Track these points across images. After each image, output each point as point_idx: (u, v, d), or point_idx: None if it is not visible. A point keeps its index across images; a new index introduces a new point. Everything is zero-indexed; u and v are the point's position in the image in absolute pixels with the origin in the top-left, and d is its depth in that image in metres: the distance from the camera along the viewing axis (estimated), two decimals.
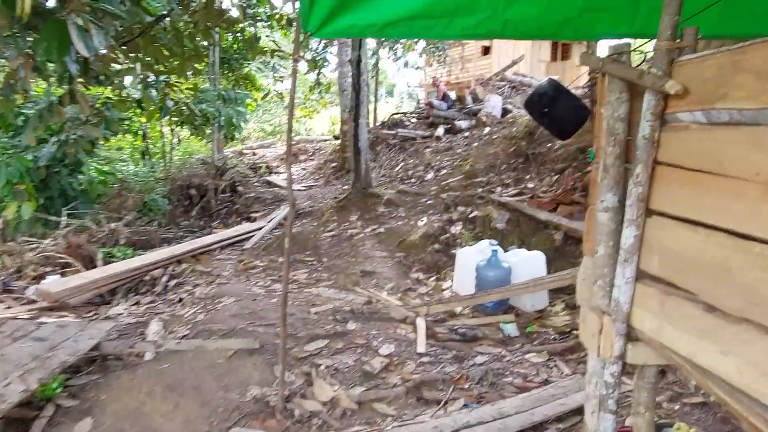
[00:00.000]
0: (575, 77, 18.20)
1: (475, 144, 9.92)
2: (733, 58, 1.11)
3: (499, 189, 5.59)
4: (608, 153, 1.49)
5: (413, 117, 13.15)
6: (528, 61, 19.66)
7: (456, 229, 4.96)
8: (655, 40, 1.40)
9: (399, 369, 2.70)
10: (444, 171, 8.99)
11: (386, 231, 5.56)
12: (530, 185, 5.27)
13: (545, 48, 21.29)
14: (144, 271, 5.19)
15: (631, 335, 1.47)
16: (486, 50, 20.74)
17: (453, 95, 13.03)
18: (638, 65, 1.51)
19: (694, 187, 1.22)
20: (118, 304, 4.66)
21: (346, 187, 10.42)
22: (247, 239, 6.95)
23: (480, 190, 5.70)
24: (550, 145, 5.87)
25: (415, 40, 13.35)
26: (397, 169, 10.43)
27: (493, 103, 11.89)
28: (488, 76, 19.45)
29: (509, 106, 12.33)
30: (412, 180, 9.45)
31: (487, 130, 10.40)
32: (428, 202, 6.28)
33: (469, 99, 12.81)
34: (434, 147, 10.82)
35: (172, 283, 4.97)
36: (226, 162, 12.22)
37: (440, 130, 11.65)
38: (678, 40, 1.35)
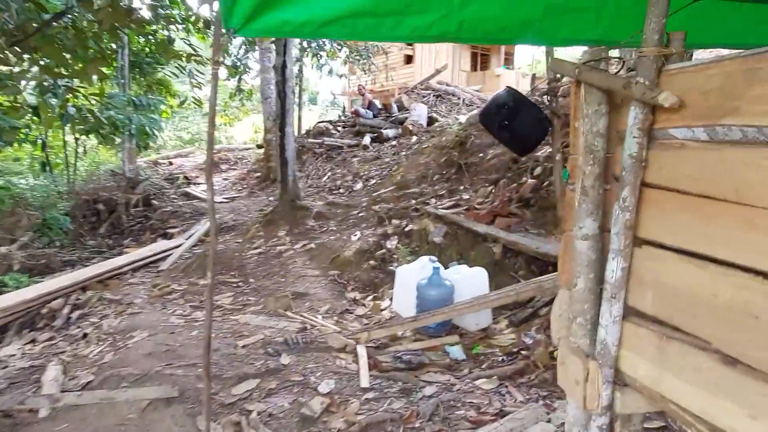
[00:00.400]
0: (495, 87, 18.77)
1: (404, 153, 9.83)
2: (745, 66, 0.95)
3: (433, 200, 5.45)
4: (587, 173, 1.31)
5: (339, 125, 12.90)
6: (449, 70, 20.02)
7: (392, 243, 4.74)
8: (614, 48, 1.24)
9: (342, 410, 2.41)
10: (373, 181, 8.80)
11: (318, 247, 5.25)
12: (465, 196, 5.17)
13: (465, 58, 21.87)
14: (41, 302, 4.53)
15: (617, 379, 1.29)
16: (409, 59, 20.95)
17: (379, 104, 12.93)
18: (615, 73, 1.35)
19: (699, 215, 1.05)
20: (10, 344, 4.01)
21: (272, 199, 9.96)
22: (164, 259, 6.37)
23: (414, 201, 5.54)
24: (482, 155, 5.83)
25: (339, 47, 13.13)
26: (324, 179, 10.13)
27: (419, 112, 11.90)
28: (411, 85, 19.65)
29: (435, 115, 12.41)
30: (341, 190, 9.19)
31: (414, 138, 10.36)
32: (360, 214, 6.04)
33: (394, 107, 12.75)
34: (362, 156, 10.62)
35: (75, 314, 4.37)
36: (138, 173, 11.33)
37: (367, 139, 11.49)
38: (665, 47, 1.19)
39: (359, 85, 12.99)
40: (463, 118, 8.23)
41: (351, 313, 3.94)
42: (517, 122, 1.94)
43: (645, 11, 1.17)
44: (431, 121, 12.08)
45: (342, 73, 13.43)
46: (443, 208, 5.00)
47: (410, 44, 20.28)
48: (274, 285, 4.57)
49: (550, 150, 5.03)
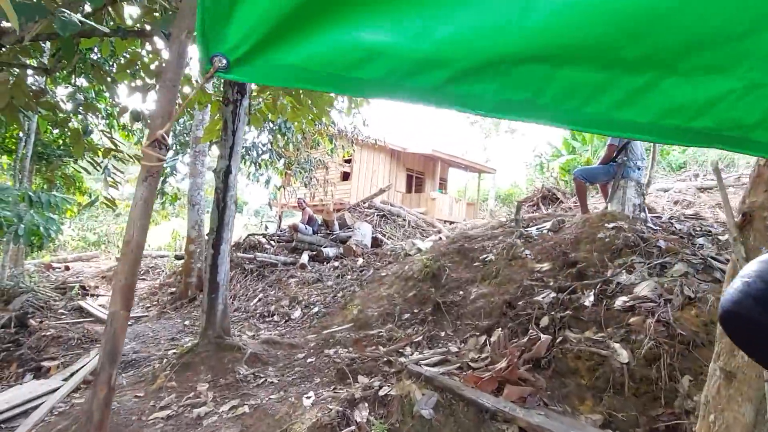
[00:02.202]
0: (432, 210, 18.64)
1: (350, 277, 8.73)
2: None
3: (408, 350, 4.29)
4: None
5: (273, 240, 11.71)
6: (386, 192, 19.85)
7: (362, 415, 3.45)
8: None
9: None
10: (315, 308, 7.54)
11: (253, 411, 3.81)
12: (452, 348, 4.06)
13: (401, 179, 21.99)
14: None
15: None
16: (346, 176, 20.69)
17: (319, 219, 12.02)
18: None
19: None
20: None
21: (187, 324, 8.29)
22: (26, 413, 4.61)
23: (383, 349, 4.35)
24: (462, 293, 4.86)
25: (278, 156, 12.39)
26: (255, 301, 8.69)
27: (363, 231, 11.06)
28: (347, 202, 19.16)
29: (379, 235, 11.60)
30: (275, 318, 7.80)
31: (361, 261, 9.34)
32: (309, 360, 4.71)
33: (336, 225, 11.86)
34: (300, 277, 9.37)
35: None
36: (19, 283, 9.27)
37: (305, 258, 10.35)
38: None
39: (299, 198, 12.09)
40: (423, 244, 7.38)
41: None
42: None
43: None
44: (375, 241, 11.23)
45: (281, 185, 12.52)
46: (427, 364, 3.84)
47: (348, 161, 20.15)
48: None
49: (554, 295, 4.16)
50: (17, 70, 5.63)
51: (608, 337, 3.58)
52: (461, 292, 4.87)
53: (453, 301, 4.75)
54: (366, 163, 20.69)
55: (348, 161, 20.54)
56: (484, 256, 5.12)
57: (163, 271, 15.09)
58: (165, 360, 5.51)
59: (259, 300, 8.61)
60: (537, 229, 5.21)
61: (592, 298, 3.91)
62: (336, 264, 9.75)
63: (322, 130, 13.08)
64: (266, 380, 4.42)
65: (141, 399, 4.31)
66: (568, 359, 3.55)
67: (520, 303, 4.22)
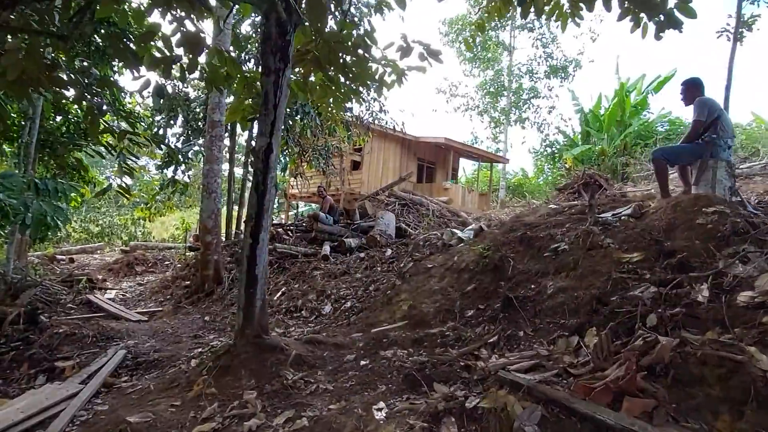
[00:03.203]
0: (444, 198, 18.10)
1: (378, 268, 8.20)
2: None
3: (484, 352, 3.75)
4: None
5: (290, 230, 11.15)
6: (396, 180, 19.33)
7: None
8: None
9: None
10: (348, 303, 7.01)
11: (314, 425, 3.27)
12: (541, 350, 3.52)
13: (412, 168, 21.39)
14: None
15: None
16: (356, 165, 20.11)
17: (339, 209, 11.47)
18: None
19: None
20: None
21: (207, 319, 7.75)
22: (45, 423, 4.10)
23: (454, 351, 3.80)
24: (533, 286, 4.31)
25: (294, 143, 11.82)
26: (278, 295, 8.15)
27: (387, 221, 10.51)
28: (357, 191, 18.59)
29: (402, 225, 11.06)
30: (303, 313, 7.27)
31: (389, 252, 8.81)
32: (364, 362, 4.17)
33: (357, 214, 11.31)
34: (325, 269, 8.84)
35: None
36: (26, 276, 8.71)
37: (326, 248, 9.81)
38: None
39: (319, 186, 11.52)
40: (464, 233, 6.84)
41: None
42: None
43: None
44: (399, 231, 10.69)
45: (296, 173, 11.94)
46: (517, 370, 3.30)
47: (358, 150, 19.57)
48: None
49: (654, 289, 3.62)
50: (28, 39, 5.04)
51: (738, 339, 3.04)
52: (533, 286, 4.32)
53: (526, 296, 4.20)
54: (377, 152, 20.10)
55: (359, 150, 19.95)
56: (555, 245, 4.57)
57: (171, 263, 14.54)
58: (196, 362, 4.97)
59: (283, 294, 8.07)
60: (613, 215, 4.66)
61: (706, 293, 3.37)
62: (362, 255, 9.21)
63: (337, 116, 12.51)
64: (319, 387, 3.87)
65: (178, 409, 3.76)
66: (690, 365, 3.01)
67: (613, 299, 3.67)
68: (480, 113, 28.91)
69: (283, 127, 11.29)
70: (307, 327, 6.42)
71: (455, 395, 3.19)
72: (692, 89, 4.96)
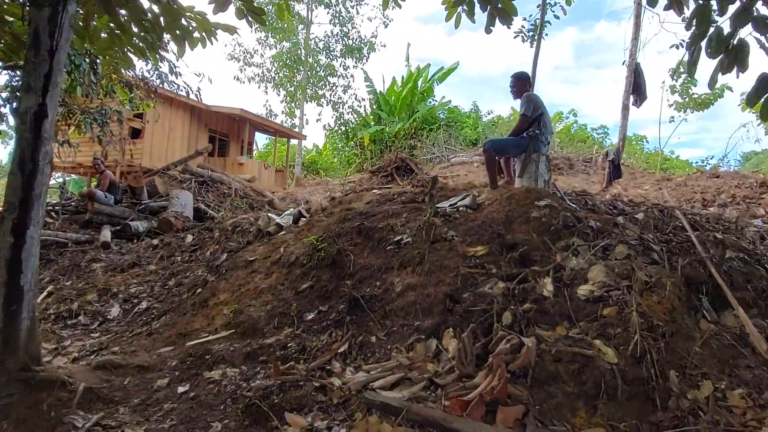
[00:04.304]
0: (248, 176, 17.03)
1: (179, 258, 7.13)
2: None
3: (336, 364, 3.29)
4: None
5: (54, 211, 8.98)
6: (185, 153, 17.55)
7: None
8: None
9: None
10: (143, 303, 5.91)
11: None
12: (401, 359, 3.20)
13: (203, 141, 19.62)
14: None
15: None
16: (136, 133, 17.56)
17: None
18: None
19: None
20: None
21: None
22: None
23: (301, 367, 3.26)
24: (379, 283, 3.99)
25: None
26: (43, 297, 6.47)
27: (184, 201, 9.24)
28: (140, 164, 16.33)
29: (202, 206, 9.86)
30: (82, 319, 5.91)
31: (190, 238, 7.72)
32: (182, 390, 3.34)
33: (144, 193, 9.67)
34: (107, 260, 7.35)
35: None
36: None
37: (106, 234, 8.23)
38: None
39: (95, 157, 9.48)
40: (282, 219, 6.22)
41: None
42: None
43: None
44: (198, 213, 9.49)
45: (65, 139, 9.62)
46: (382, 387, 2.93)
47: (139, 116, 17.10)
48: None
49: (502, 284, 3.62)
50: None
51: (584, 333, 3.17)
52: (378, 283, 4.00)
53: (373, 295, 3.86)
54: (161, 120, 17.78)
55: (139, 116, 17.39)
56: (398, 237, 4.32)
57: None
58: None
59: (50, 295, 6.39)
60: (451, 206, 4.62)
61: (551, 287, 3.47)
62: (154, 242, 7.89)
63: (115, 75, 10.49)
64: None
65: None
66: (546, 363, 3.03)
67: (465, 296, 3.57)
68: (276, 86, 27.90)
69: None
70: (90, 339, 5.14)
71: (316, 428, 2.69)
72: (521, 83, 5.23)
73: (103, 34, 5.34)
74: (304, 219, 6.21)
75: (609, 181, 8.48)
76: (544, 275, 3.59)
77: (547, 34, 10.15)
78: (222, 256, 5.65)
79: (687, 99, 20.11)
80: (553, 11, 10.40)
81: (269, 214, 6.31)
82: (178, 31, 5.03)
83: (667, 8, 3.54)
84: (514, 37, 9.53)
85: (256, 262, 5.07)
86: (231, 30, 5.29)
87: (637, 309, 3.14)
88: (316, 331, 3.73)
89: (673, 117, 21.91)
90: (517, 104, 5.49)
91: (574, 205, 4.40)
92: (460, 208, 4.50)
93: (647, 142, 32.18)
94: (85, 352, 4.69)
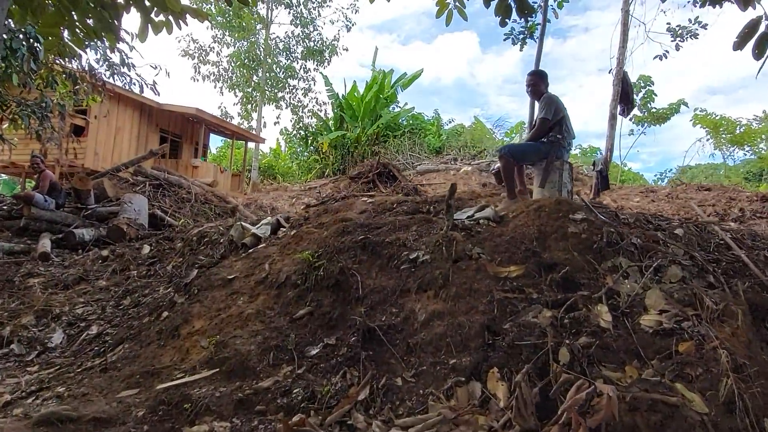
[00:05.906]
0: (208, 180, 15.95)
1: (134, 273, 6.26)
2: None
3: (359, 417, 2.63)
4: None
5: None
6: (134, 154, 16.37)
7: None
8: None
9: None
10: (94, 328, 5.07)
11: None
12: (443, 409, 2.57)
13: (154, 142, 18.39)
14: None
15: None
16: (78, 130, 16.17)
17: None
18: None
19: None
20: None
21: None
22: None
23: (312, 421, 2.58)
24: (395, 310, 3.35)
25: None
26: None
27: (137, 207, 8.27)
28: (83, 164, 15.04)
29: (158, 212, 8.89)
30: (15, 348, 5.03)
31: (147, 249, 6.83)
32: None
33: (91, 197, 8.60)
34: (47, 275, 6.36)
35: None
36: None
37: (46, 243, 7.22)
38: None
39: (34, 156, 8.34)
40: (260, 230, 5.46)
41: None
42: None
43: None
44: (153, 219, 8.53)
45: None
46: None
47: (81, 111, 15.78)
48: None
49: (549, 313, 3.07)
50: None
51: (660, 375, 2.65)
52: (395, 310, 3.36)
53: (391, 325, 3.21)
54: (108, 117, 16.47)
55: (82, 112, 16.03)
56: (413, 255, 3.70)
57: None
58: None
59: None
60: (468, 218, 4.04)
61: (608, 317, 2.94)
62: (104, 253, 6.93)
63: (56, 65, 9.42)
64: None
65: None
66: (621, 413, 2.49)
67: (506, 326, 2.99)
68: (232, 87, 26.68)
69: None
70: (27, 374, 4.23)
71: None
72: (539, 82, 4.75)
73: (50, 7, 4.48)
74: (283, 229, 5.50)
75: (597, 192, 8.22)
76: (596, 302, 3.06)
77: (536, 37, 9.90)
78: (192, 273, 4.84)
79: (646, 113, 20.58)
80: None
81: (243, 224, 5.54)
82: (140, 11, 4.25)
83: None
84: (504, 40, 9.21)
85: (236, 281, 4.30)
86: (202, 16, 4.55)
87: (721, 345, 2.65)
88: (324, 371, 3.04)
89: (632, 130, 22.41)
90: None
91: (607, 219, 3.92)
92: (481, 221, 3.94)
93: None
94: (20, 392, 3.80)
